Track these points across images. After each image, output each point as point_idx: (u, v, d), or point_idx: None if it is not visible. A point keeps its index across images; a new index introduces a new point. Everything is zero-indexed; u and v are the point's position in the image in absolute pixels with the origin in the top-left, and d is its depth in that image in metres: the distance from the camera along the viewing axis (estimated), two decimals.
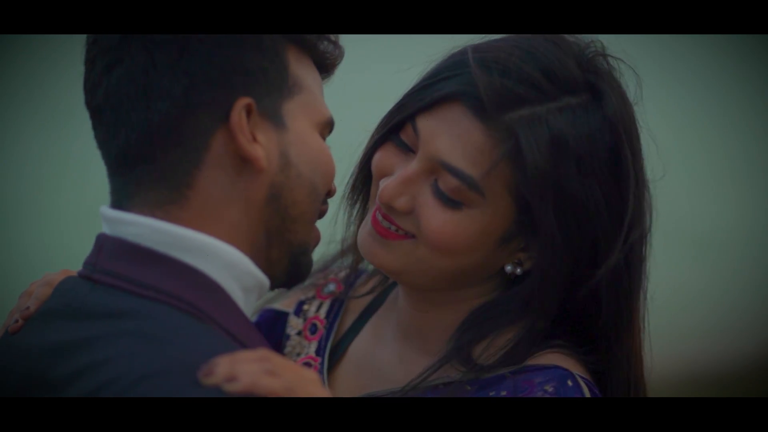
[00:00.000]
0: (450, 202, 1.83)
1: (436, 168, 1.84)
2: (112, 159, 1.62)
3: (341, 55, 1.75)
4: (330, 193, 1.73)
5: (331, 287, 2.12)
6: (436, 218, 1.83)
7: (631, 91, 1.91)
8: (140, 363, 1.46)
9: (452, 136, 1.82)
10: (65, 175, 5.20)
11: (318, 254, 2.07)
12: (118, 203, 1.62)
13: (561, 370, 1.86)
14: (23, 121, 5.24)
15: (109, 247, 1.60)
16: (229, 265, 1.60)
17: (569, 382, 1.84)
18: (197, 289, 1.57)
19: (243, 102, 1.60)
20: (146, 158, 1.59)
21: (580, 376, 1.86)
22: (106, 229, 1.62)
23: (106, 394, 1.45)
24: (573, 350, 1.89)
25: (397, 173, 1.87)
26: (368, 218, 1.90)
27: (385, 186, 1.86)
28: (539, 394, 1.82)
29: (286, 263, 1.67)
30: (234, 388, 1.45)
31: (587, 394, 1.85)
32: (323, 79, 1.75)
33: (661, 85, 5.59)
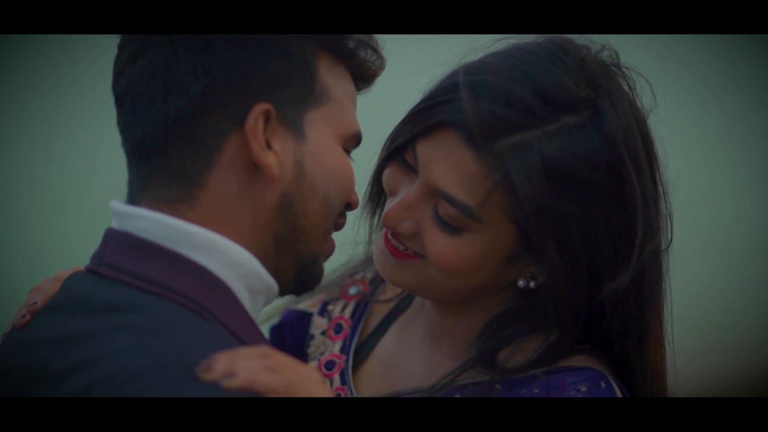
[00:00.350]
0: (449, 227, 1.81)
1: (435, 194, 1.81)
2: (129, 149, 1.62)
3: (382, 66, 1.73)
4: (350, 206, 1.71)
5: (357, 288, 2.11)
6: (437, 243, 1.81)
7: (651, 99, 1.85)
8: (138, 357, 1.46)
9: (448, 165, 1.79)
10: (72, 176, 5.23)
11: (346, 255, 2.07)
12: (131, 197, 1.62)
13: (594, 371, 1.83)
14: (25, 121, 5.27)
15: (115, 242, 1.60)
16: (237, 265, 1.59)
17: (603, 384, 1.82)
18: (202, 287, 1.56)
19: (261, 107, 1.58)
20: (159, 152, 1.59)
21: (613, 378, 1.84)
22: (114, 224, 1.62)
23: (102, 388, 1.46)
24: (600, 354, 1.87)
25: (400, 194, 1.85)
26: (381, 235, 1.89)
27: (387, 211, 1.85)
28: (572, 394, 1.80)
29: (295, 272, 1.66)
30: (232, 384, 1.44)
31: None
32: (362, 89, 1.74)
33: (721, 88, 5.51)
